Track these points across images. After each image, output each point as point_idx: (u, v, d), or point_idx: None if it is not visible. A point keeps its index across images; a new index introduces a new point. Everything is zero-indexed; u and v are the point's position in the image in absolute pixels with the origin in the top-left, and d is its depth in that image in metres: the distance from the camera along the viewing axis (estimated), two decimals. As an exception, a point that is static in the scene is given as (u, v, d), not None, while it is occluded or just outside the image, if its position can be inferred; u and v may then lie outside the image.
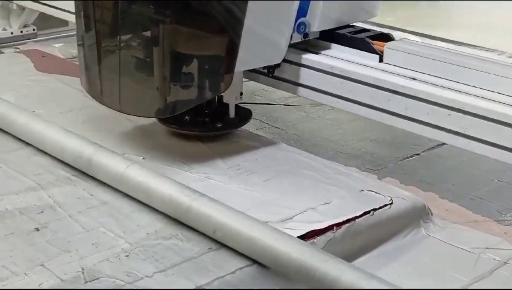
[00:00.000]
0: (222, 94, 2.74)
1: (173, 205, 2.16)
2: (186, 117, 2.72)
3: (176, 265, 1.98)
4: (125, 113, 2.63)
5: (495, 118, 2.29)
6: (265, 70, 2.81)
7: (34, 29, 3.81)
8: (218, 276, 1.91)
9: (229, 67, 2.50)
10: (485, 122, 2.32)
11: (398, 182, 2.67)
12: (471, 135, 2.36)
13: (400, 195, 2.39)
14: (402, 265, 2.21)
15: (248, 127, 2.87)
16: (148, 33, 2.54)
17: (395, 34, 2.77)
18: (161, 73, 2.50)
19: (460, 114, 2.37)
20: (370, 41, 2.69)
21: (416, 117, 2.45)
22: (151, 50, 2.53)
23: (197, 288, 1.86)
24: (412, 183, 2.69)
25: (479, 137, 2.34)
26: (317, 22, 2.75)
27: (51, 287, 1.88)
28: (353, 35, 2.75)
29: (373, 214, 2.26)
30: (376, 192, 2.39)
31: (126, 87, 2.57)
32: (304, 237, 2.10)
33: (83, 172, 2.40)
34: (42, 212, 2.22)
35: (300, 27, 2.72)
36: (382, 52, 2.66)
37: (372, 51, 2.67)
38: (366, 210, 2.26)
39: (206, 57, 2.55)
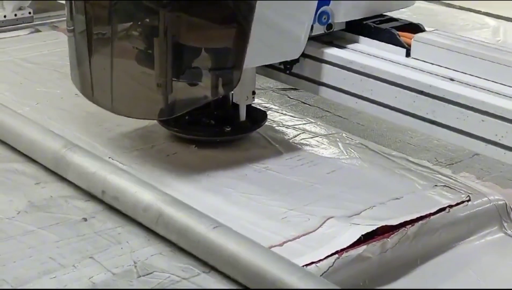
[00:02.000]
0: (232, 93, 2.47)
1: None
2: (186, 117, 2.43)
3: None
4: (118, 114, 2.35)
5: None
6: (282, 66, 2.52)
7: (30, 12, 3.55)
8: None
9: (238, 63, 2.21)
10: None
11: (475, 177, 2.43)
12: (507, 144, 2.08)
13: (478, 192, 2.24)
14: (480, 269, 2.06)
15: (308, 115, 2.70)
16: (145, 22, 2.26)
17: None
18: (159, 67, 2.23)
19: (495, 120, 2.09)
20: (396, 32, 2.40)
21: (444, 122, 2.19)
22: (148, 41, 2.26)
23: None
24: (490, 179, 2.45)
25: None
26: (342, 12, 2.48)
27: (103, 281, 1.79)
28: (378, 25, 2.44)
29: (449, 211, 2.13)
30: (451, 188, 2.23)
31: (119, 83, 2.32)
32: (373, 233, 1.97)
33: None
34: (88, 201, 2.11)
35: (322, 17, 2.45)
36: (410, 45, 2.34)
37: (398, 44, 2.37)
38: (441, 207, 2.12)
39: (211, 51, 2.27)
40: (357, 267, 1.92)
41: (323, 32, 2.45)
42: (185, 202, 1.98)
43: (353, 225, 2.01)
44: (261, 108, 2.61)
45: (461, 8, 4.01)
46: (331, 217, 2.06)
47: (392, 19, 2.52)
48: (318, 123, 2.67)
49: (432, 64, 2.31)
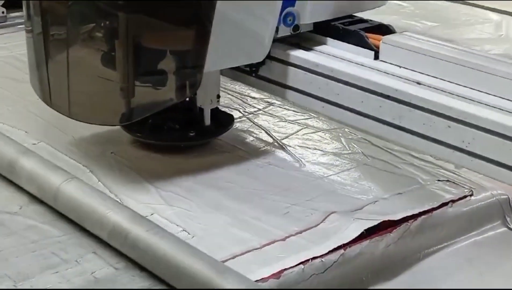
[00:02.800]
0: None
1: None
2: (150, 121, 2.35)
3: None
4: (77, 120, 2.26)
5: (503, 132, 1.96)
6: (248, 69, 2.46)
7: (3, 12, 3.45)
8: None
9: (198, 65, 2.13)
10: (492, 137, 1.99)
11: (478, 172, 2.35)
12: (474, 151, 2.03)
13: (481, 186, 2.18)
14: (482, 264, 2.02)
15: (310, 110, 2.58)
16: (101, 23, 2.18)
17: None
18: (118, 71, 2.14)
19: (461, 126, 2.04)
20: (365, 34, 2.32)
21: (410, 128, 2.11)
22: (105, 43, 2.18)
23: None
24: (494, 173, 2.31)
25: (484, 154, 2.01)
26: (308, 13, 2.42)
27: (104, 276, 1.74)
28: (346, 27, 2.37)
29: (452, 206, 2.08)
30: (454, 182, 2.17)
31: (77, 88, 2.23)
32: (376, 228, 1.94)
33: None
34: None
35: (287, 18, 2.39)
36: (378, 47, 2.28)
37: (367, 46, 2.30)
38: (444, 202, 2.08)
39: (170, 53, 2.18)
40: (360, 262, 1.90)
41: (290, 33, 2.39)
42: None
43: (356, 220, 1.98)
44: (228, 112, 2.54)
45: (464, 2, 3.94)
46: (334, 212, 2.04)
47: (362, 20, 2.46)
48: (321, 117, 2.56)
49: (400, 67, 2.24)
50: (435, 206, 2.05)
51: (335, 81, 2.27)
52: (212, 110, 2.43)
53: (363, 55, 2.32)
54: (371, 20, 2.47)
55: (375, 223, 1.95)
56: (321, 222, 2.00)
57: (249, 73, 2.47)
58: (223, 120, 2.48)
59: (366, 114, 2.21)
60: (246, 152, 2.36)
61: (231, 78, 2.56)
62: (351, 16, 2.47)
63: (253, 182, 2.20)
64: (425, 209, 2.03)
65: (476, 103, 2.05)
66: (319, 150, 2.37)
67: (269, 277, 1.76)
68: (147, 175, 2.21)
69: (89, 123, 2.29)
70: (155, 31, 2.17)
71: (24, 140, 2.32)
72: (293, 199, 2.10)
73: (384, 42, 2.29)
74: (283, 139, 2.43)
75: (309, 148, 2.38)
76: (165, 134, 2.39)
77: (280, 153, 2.36)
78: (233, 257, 1.84)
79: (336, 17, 2.42)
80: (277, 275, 1.76)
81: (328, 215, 2.02)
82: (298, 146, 2.40)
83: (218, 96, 2.40)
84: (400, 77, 2.20)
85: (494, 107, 2.01)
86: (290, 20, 2.36)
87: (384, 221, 1.96)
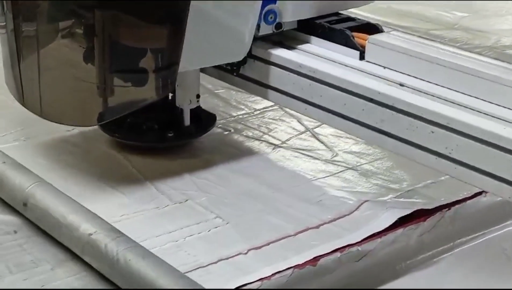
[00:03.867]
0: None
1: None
2: (128, 120, 2.30)
3: None
4: (49, 120, 2.23)
5: (487, 139, 1.85)
6: (228, 67, 2.39)
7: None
8: None
9: (172, 64, 2.08)
10: (476, 144, 1.88)
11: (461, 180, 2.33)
12: (458, 159, 1.92)
13: None
14: None
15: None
16: (73, 20, 2.13)
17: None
18: (89, 69, 2.10)
19: (445, 131, 1.94)
20: (350, 33, 2.25)
21: (392, 132, 2.03)
22: (78, 40, 2.14)
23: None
24: (477, 181, 2.31)
25: (468, 162, 1.90)
26: (290, 10, 2.33)
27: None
28: (332, 25, 2.28)
29: (486, 195, 2.12)
30: None
31: (48, 87, 2.19)
32: (409, 217, 2.00)
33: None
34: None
35: (268, 16, 2.30)
36: (364, 47, 2.20)
37: (352, 46, 2.21)
38: (477, 191, 2.12)
39: (144, 51, 2.13)
40: (395, 251, 1.94)
41: (272, 31, 2.31)
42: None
43: (389, 209, 2.04)
44: (210, 112, 2.47)
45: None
46: (367, 201, 2.11)
47: (349, 19, 2.37)
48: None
49: (385, 68, 2.16)
50: (469, 195, 2.08)
51: (318, 82, 2.18)
52: (194, 109, 2.36)
53: (348, 55, 2.23)
54: (358, 19, 2.38)
55: (409, 211, 2.00)
56: (354, 210, 2.08)
57: (231, 72, 2.38)
58: (205, 120, 2.42)
59: (348, 117, 2.12)
60: (278, 140, 2.44)
61: (216, 77, 2.48)
62: (337, 14, 2.38)
63: (285, 170, 2.29)
64: (459, 198, 2.06)
65: (462, 108, 1.96)
66: (351, 139, 2.42)
67: (304, 264, 1.80)
68: (181, 161, 2.27)
69: (62, 124, 2.24)
70: (128, 28, 2.11)
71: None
72: (325, 188, 2.19)
73: (369, 42, 2.20)
74: (315, 128, 2.46)
75: (341, 137, 2.46)
76: (143, 134, 2.33)
77: (312, 142, 2.42)
78: (268, 244, 1.91)
79: (321, 15, 2.33)
80: (313, 262, 1.81)
81: (361, 204, 2.10)
82: (330, 135, 2.48)
83: (198, 96, 2.36)
84: (384, 79, 2.11)
85: (480, 113, 1.92)
86: (271, 18, 2.28)
87: (418, 210, 2.00)
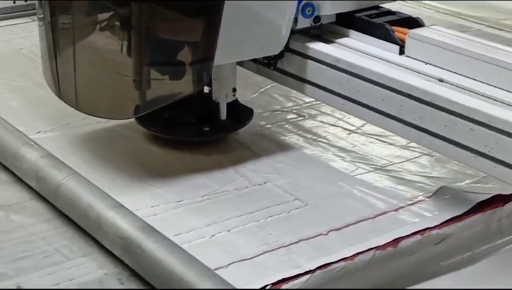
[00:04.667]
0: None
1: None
2: (165, 114, 2.28)
3: None
4: (84, 112, 2.23)
5: None
6: (266, 61, 2.36)
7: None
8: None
9: (207, 58, 2.05)
10: None
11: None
12: (497, 157, 1.87)
13: None
14: None
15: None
16: (110, 13, 2.11)
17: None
18: (126, 62, 2.06)
19: (485, 129, 1.88)
20: (390, 27, 2.19)
21: (431, 129, 1.96)
22: (114, 34, 2.12)
23: None
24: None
25: (508, 160, 1.85)
26: (328, 4, 2.29)
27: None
28: (371, 19, 2.23)
29: None
30: None
31: (84, 79, 2.17)
32: (486, 203, 1.98)
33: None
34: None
35: (305, 9, 2.27)
36: (404, 41, 2.15)
37: (392, 40, 2.16)
38: None
39: (178, 44, 2.10)
40: (473, 235, 1.94)
41: (310, 25, 2.27)
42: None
43: (467, 194, 2.05)
44: (248, 106, 2.45)
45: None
46: (444, 186, 2.12)
47: (389, 12, 2.32)
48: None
49: (426, 63, 2.10)
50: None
51: (356, 77, 2.13)
52: (232, 103, 2.34)
53: (388, 50, 2.18)
54: (399, 13, 2.33)
55: (488, 196, 1.98)
56: (432, 195, 2.08)
57: (268, 66, 2.35)
58: (242, 114, 2.39)
59: (386, 113, 2.07)
60: (353, 126, 2.46)
61: (254, 71, 2.46)
62: (378, 8, 2.33)
63: (360, 155, 2.30)
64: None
65: (503, 106, 1.90)
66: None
67: (385, 246, 1.80)
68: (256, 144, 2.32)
69: (97, 116, 2.24)
70: (164, 21, 2.09)
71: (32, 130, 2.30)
72: (402, 173, 2.20)
73: (410, 36, 2.15)
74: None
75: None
76: (179, 128, 2.31)
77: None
78: (347, 226, 1.92)
79: (360, 8, 2.29)
80: (394, 243, 1.81)
81: (439, 189, 2.10)
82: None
83: (234, 90, 2.32)
84: (424, 74, 2.06)
85: (522, 110, 1.87)
86: (309, 11, 2.24)
87: (495, 195, 1.98)
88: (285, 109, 2.56)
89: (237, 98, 2.36)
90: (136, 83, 2.08)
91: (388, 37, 2.19)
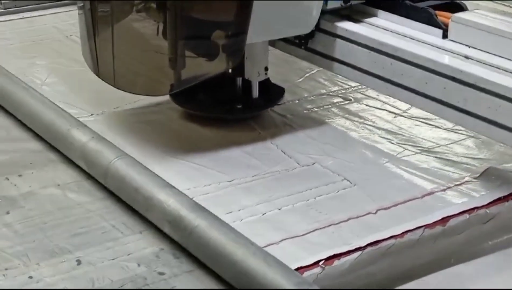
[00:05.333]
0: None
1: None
2: (200, 93, 2.34)
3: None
4: (122, 90, 2.28)
5: None
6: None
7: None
8: None
9: (239, 37, 2.12)
10: None
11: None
12: (541, 138, 1.88)
13: None
14: None
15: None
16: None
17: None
18: (161, 41, 2.14)
19: (529, 111, 1.93)
20: (433, 11, 2.20)
21: (475, 112, 1.99)
22: (149, 14, 2.21)
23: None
24: None
25: (552, 141, 1.87)
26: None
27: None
28: (414, 4, 2.26)
29: None
30: None
31: (121, 59, 2.25)
32: None
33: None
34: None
35: (336, -10, 2.33)
36: (447, 25, 2.17)
37: (435, 24, 2.19)
38: None
39: (212, 23, 2.16)
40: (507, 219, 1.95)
41: (340, 5, 2.32)
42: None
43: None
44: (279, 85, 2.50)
45: None
46: (491, 167, 2.12)
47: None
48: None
49: (470, 47, 2.13)
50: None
51: (400, 61, 2.17)
52: (264, 82, 2.39)
53: (431, 33, 2.21)
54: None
55: None
56: (479, 176, 2.08)
57: (299, 45, 2.40)
58: (273, 93, 2.44)
59: (430, 96, 2.11)
60: (398, 109, 2.41)
61: (284, 50, 2.52)
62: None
63: (406, 137, 2.29)
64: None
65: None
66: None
67: (434, 224, 1.82)
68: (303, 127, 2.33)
69: (134, 93, 2.30)
70: (198, 1, 2.14)
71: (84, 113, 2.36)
72: (448, 154, 2.20)
73: (453, 20, 2.18)
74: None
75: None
76: (213, 106, 2.37)
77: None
78: (396, 205, 1.94)
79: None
80: (442, 222, 1.83)
81: (485, 170, 2.10)
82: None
83: (266, 69, 2.37)
84: (466, 57, 2.09)
85: None
86: (339, -9, 2.30)
87: None
88: (331, 93, 2.58)
89: (268, 78, 2.41)
90: (171, 62, 2.14)
91: (432, 21, 2.23)
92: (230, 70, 2.33)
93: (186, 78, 2.18)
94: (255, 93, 2.35)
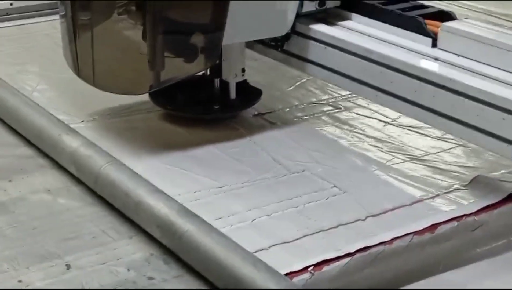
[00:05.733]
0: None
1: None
2: (178, 94, 2.40)
3: None
4: (101, 89, 2.32)
5: None
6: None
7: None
8: None
9: (216, 38, 2.18)
10: None
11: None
12: (530, 146, 1.91)
13: None
14: None
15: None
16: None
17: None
18: (140, 42, 2.19)
19: (517, 119, 1.94)
20: (423, 20, 2.21)
21: (463, 119, 1.99)
22: (128, 15, 2.26)
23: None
24: None
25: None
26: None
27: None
28: (404, 13, 2.27)
29: None
30: None
31: (101, 59, 2.30)
32: None
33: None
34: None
35: (310, -7, 2.37)
36: (436, 34, 2.18)
37: (424, 33, 2.19)
38: None
39: (189, 25, 2.23)
40: (509, 222, 1.97)
41: (315, 9, 2.36)
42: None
43: (502, 182, 2.09)
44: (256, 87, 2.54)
45: None
46: (480, 175, 2.15)
47: (422, 6, 2.35)
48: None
49: (459, 55, 2.13)
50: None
51: (389, 69, 2.17)
52: (240, 83, 2.44)
53: (419, 42, 2.21)
54: (431, 7, 2.36)
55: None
56: (468, 184, 2.11)
57: (275, 47, 2.44)
58: (250, 94, 2.49)
59: (418, 104, 2.11)
60: (388, 118, 2.50)
61: (261, 53, 2.56)
62: (408, 1, 2.37)
63: (396, 146, 2.33)
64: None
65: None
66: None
67: (423, 231, 1.83)
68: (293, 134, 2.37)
69: (113, 92, 2.33)
70: (176, 5, 2.19)
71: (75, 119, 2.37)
72: (438, 163, 2.24)
73: (443, 29, 2.18)
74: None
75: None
76: (191, 107, 2.41)
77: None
78: (385, 212, 1.97)
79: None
80: (431, 229, 1.84)
81: (474, 178, 2.12)
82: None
83: (243, 70, 2.43)
84: (456, 66, 2.09)
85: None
86: (314, -5, 2.35)
87: None
88: (321, 102, 2.61)
89: (246, 79, 2.46)
90: (149, 62, 2.19)
91: (421, 30, 2.23)
92: (208, 72, 2.41)
93: (164, 78, 2.23)
94: (233, 94, 2.40)
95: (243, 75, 2.40)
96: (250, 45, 2.43)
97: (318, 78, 2.49)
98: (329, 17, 2.38)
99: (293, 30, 2.34)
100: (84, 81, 2.31)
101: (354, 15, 2.36)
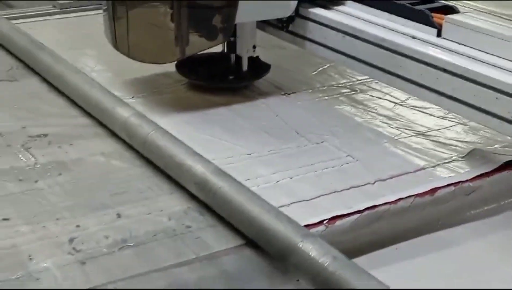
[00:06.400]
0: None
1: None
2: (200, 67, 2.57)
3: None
4: (134, 60, 2.44)
5: None
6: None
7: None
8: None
9: (230, 17, 2.33)
10: None
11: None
12: (518, 122, 1.96)
13: None
14: None
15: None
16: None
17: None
18: (169, 18, 2.34)
19: (508, 98, 1.96)
20: (430, 13, 2.26)
21: (462, 99, 2.05)
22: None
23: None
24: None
25: (528, 125, 1.93)
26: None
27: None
28: (413, 6, 2.31)
29: None
30: None
31: (135, 34, 2.43)
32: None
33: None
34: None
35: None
36: (441, 25, 2.22)
37: (431, 24, 2.24)
38: None
39: (208, 8, 2.35)
40: (500, 189, 2.00)
41: None
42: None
43: (496, 155, 2.12)
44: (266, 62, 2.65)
45: None
46: (476, 148, 2.19)
47: (429, 1, 2.39)
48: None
49: (460, 44, 2.18)
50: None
51: (398, 54, 2.23)
52: (254, 59, 2.58)
53: (425, 32, 2.26)
54: (438, 1, 2.40)
55: None
56: (465, 156, 2.16)
57: (281, 28, 2.59)
58: (261, 68, 2.62)
59: (424, 85, 2.16)
60: (398, 99, 2.53)
61: (270, 33, 2.69)
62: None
63: (403, 123, 2.37)
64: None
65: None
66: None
67: (424, 194, 1.88)
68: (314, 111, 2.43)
69: (144, 62, 2.45)
70: None
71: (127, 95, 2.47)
72: (439, 138, 2.27)
73: (447, 21, 2.23)
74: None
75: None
76: (212, 78, 2.56)
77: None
78: (391, 177, 2.03)
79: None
80: (431, 192, 1.89)
81: (471, 150, 2.17)
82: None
83: (254, 46, 2.56)
84: (458, 53, 2.14)
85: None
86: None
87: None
88: (340, 85, 2.66)
89: (258, 56, 2.59)
90: (176, 39, 2.33)
91: (428, 22, 2.27)
92: (225, 49, 2.55)
93: (187, 51, 2.39)
94: (245, 66, 2.55)
95: (254, 51, 2.54)
96: (262, 27, 2.62)
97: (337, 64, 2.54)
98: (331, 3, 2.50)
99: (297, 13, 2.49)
100: (121, 53, 2.43)
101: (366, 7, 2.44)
